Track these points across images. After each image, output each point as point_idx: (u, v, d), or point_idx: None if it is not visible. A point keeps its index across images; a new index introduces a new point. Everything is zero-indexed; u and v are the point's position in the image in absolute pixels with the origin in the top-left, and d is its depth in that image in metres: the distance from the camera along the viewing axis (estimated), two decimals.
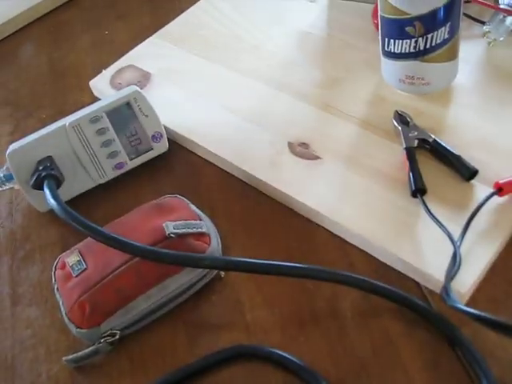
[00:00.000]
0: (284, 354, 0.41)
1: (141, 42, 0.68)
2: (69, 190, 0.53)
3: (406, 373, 0.39)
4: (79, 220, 0.43)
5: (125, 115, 0.53)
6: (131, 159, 0.54)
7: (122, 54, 0.67)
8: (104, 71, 0.65)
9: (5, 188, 0.54)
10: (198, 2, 0.72)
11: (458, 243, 0.42)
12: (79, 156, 0.52)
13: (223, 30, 0.67)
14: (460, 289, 0.41)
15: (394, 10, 0.49)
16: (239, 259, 0.42)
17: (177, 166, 0.56)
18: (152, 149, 0.55)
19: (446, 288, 0.39)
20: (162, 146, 0.55)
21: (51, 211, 0.46)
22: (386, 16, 0.50)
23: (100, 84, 0.64)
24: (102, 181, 0.54)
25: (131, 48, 0.67)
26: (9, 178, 0.53)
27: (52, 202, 0.46)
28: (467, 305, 0.41)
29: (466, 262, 0.41)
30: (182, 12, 0.71)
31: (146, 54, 0.66)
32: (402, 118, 0.52)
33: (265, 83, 0.59)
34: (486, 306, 0.41)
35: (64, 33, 0.75)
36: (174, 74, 0.63)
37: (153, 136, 0.55)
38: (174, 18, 0.70)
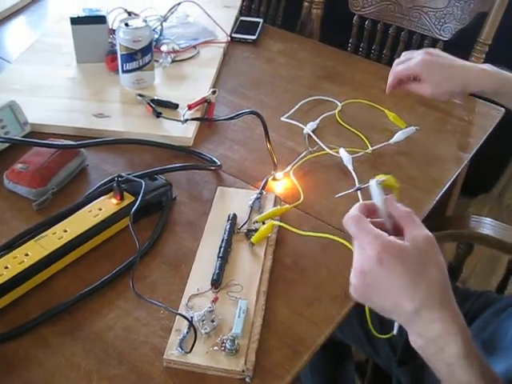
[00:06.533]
0: None
1: None
2: None
3: None
4: (24, 140, 0.95)
5: (8, 113, 1.05)
6: (14, 135, 1.05)
7: None
8: None
9: None
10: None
11: (184, 115, 1.08)
12: None
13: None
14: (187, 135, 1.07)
15: (126, 49, 1.14)
16: (92, 141, 1.01)
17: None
18: (24, 130, 1.07)
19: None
20: (28, 129, 1.08)
21: None
22: (122, 52, 1.15)
23: None
24: (3, 147, 1.04)
25: None
26: None
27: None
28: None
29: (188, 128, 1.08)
30: None
31: None
32: (141, 95, 1.17)
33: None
34: None
35: None
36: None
37: (23, 123, 1.07)
38: None
